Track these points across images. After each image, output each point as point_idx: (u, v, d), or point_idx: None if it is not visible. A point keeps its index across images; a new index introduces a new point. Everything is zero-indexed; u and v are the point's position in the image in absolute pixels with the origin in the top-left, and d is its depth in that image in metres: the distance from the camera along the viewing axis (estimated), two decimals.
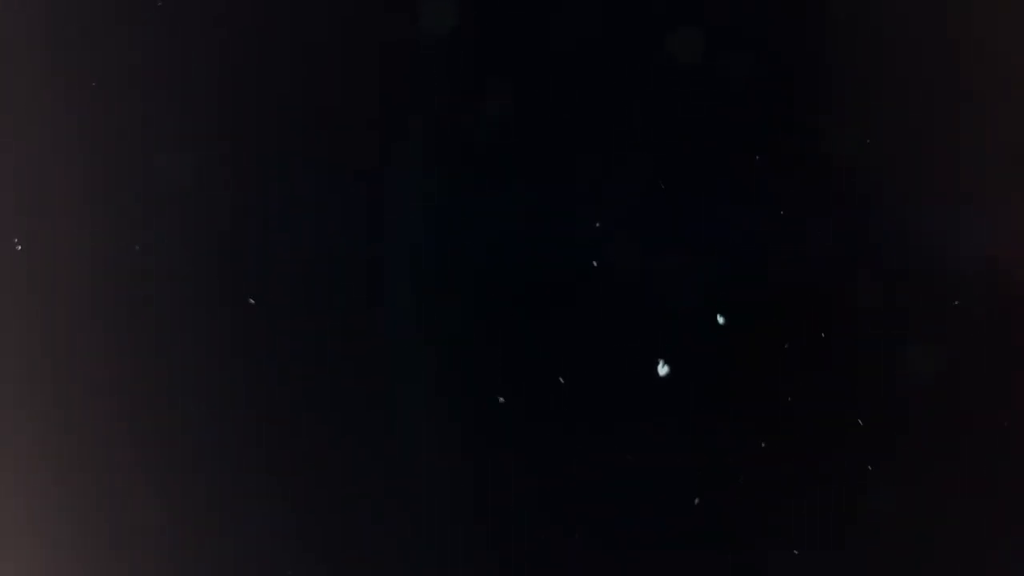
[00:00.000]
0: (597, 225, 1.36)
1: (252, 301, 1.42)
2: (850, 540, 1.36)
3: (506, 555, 1.42)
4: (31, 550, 1.51)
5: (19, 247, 1.47)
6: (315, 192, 1.42)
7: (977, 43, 1.32)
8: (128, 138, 1.45)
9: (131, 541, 1.49)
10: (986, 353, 1.33)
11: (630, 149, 1.36)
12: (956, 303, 1.32)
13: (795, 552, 1.37)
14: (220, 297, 1.45)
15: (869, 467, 1.34)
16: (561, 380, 1.37)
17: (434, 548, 1.43)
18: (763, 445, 1.36)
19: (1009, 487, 1.35)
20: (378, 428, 1.43)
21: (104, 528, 1.49)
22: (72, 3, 1.46)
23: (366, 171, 1.41)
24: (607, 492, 1.39)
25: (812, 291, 1.34)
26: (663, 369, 1.34)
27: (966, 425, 1.34)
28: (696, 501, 1.37)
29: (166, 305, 1.47)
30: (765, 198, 1.34)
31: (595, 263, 1.36)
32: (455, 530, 1.43)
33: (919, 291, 1.33)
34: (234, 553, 1.47)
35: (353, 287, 1.43)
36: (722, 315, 1.35)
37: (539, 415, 1.40)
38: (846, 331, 1.35)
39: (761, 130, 1.33)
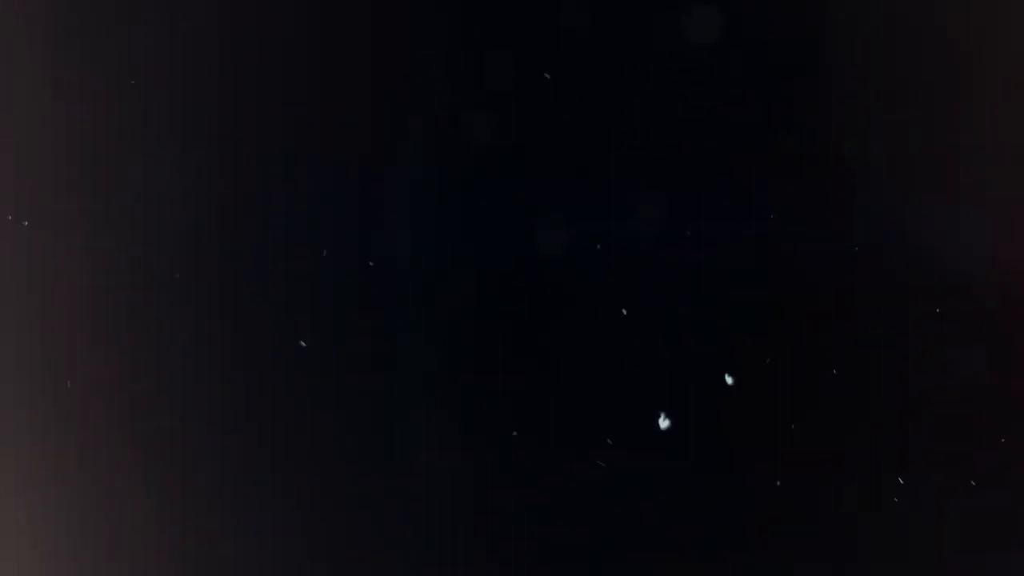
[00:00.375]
0: (598, 246, 1.36)
1: (303, 344, 1.42)
2: (860, 544, 1.37)
3: (506, 557, 1.42)
4: (31, 550, 1.51)
5: (25, 223, 1.47)
6: (315, 192, 1.42)
7: (977, 43, 1.32)
8: (128, 138, 1.46)
9: (131, 541, 1.49)
10: (986, 353, 1.33)
11: (632, 150, 1.36)
12: (953, 304, 1.32)
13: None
14: (220, 297, 1.45)
15: (898, 480, 1.34)
16: (609, 442, 1.38)
17: (434, 550, 1.43)
18: (764, 447, 1.36)
19: (1010, 488, 1.35)
20: (379, 429, 1.43)
21: (104, 528, 1.50)
22: (72, 3, 1.46)
23: (366, 171, 1.41)
24: (609, 496, 1.40)
25: (810, 292, 1.34)
26: (664, 422, 1.34)
27: (966, 426, 1.34)
28: (697, 500, 1.38)
29: (166, 305, 1.47)
30: (763, 198, 1.34)
31: (597, 266, 1.37)
32: (455, 533, 1.43)
33: (919, 291, 1.33)
34: (234, 553, 1.48)
35: (353, 287, 1.43)
36: (723, 322, 1.35)
37: (540, 417, 1.40)
38: (846, 333, 1.35)
39: (760, 130, 1.33)
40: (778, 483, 1.35)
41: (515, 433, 1.39)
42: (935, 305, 1.33)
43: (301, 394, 1.45)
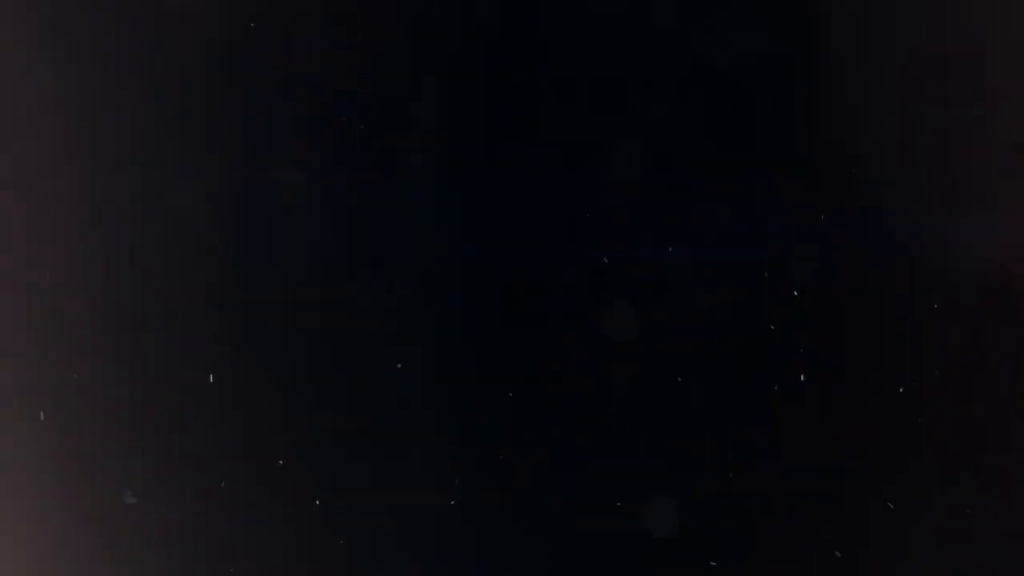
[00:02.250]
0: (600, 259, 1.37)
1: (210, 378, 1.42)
2: (858, 544, 1.37)
3: (504, 558, 1.42)
4: (31, 550, 1.52)
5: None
6: (315, 193, 1.42)
7: (978, 42, 1.32)
8: (128, 140, 1.46)
9: (131, 541, 1.49)
10: (986, 353, 1.33)
11: (632, 151, 1.36)
12: (950, 306, 1.32)
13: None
14: (220, 299, 1.45)
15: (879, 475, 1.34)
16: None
17: (432, 552, 1.43)
18: (761, 448, 1.36)
19: (1010, 488, 1.35)
20: (380, 431, 1.43)
21: (103, 528, 1.50)
22: (72, 5, 1.46)
23: (366, 172, 1.41)
24: (609, 497, 1.40)
25: (810, 292, 1.34)
26: None
27: (967, 427, 1.34)
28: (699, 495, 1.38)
29: (167, 308, 1.47)
30: (762, 199, 1.34)
31: (597, 266, 1.37)
32: (455, 537, 1.43)
33: (918, 292, 1.33)
34: (233, 554, 1.48)
35: (353, 289, 1.43)
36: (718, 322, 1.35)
37: (539, 418, 1.40)
38: (845, 332, 1.35)
39: (760, 130, 1.33)
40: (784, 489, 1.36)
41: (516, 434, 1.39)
42: (932, 305, 1.33)
43: (302, 397, 1.45)
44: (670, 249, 1.35)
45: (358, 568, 1.45)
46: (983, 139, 1.32)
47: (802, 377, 1.34)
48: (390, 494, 1.43)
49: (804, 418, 1.35)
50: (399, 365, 1.41)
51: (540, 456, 1.40)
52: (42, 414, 1.51)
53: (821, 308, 1.34)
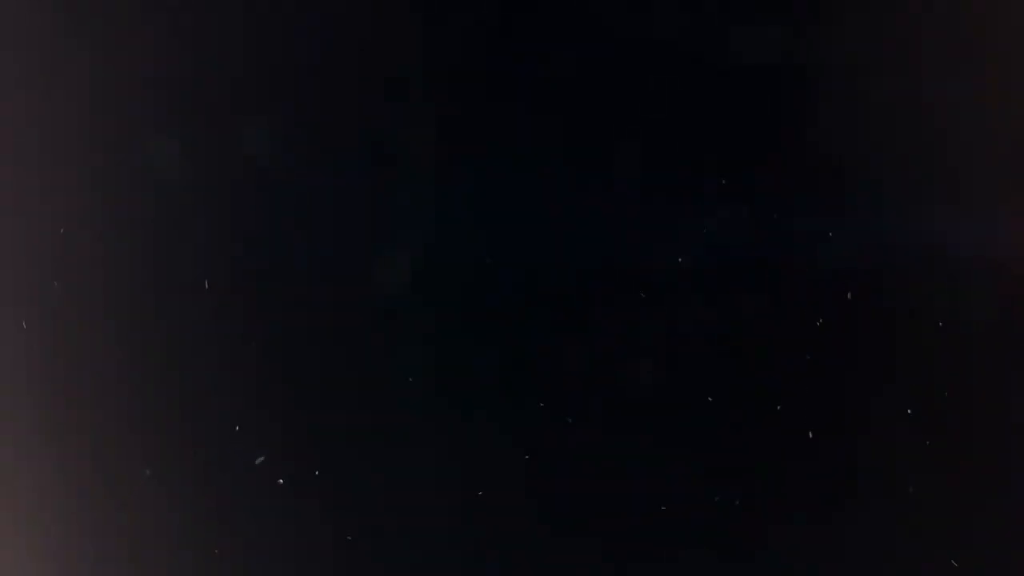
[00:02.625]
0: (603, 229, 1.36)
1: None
2: (854, 543, 1.37)
3: (504, 557, 1.42)
4: (31, 551, 1.52)
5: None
6: (316, 193, 1.42)
7: (978, 42, 1.32)
8: (128, 137, 1.46)
9: (131, 542, 1.49)
10: (986, 353, 1.33)
11: (632, 150, 1.36)
12: (950, 306, 1.32)
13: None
14: (220, 297, 1.45)
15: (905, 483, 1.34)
16: (569, 420, 1.38)
17: (434, 552, 1.43)
18: (757, 446, 1.36)
19: (1010, 489, 1.35)
20: (382, 432, 1.43)
21: (103, 529, 1.50)
22: (72, 3, 1.46)
23: (367, 171, 1.41)
24: (609, 498, 1.40)
25: (809, 292, 1.35)
26: None
27: (966, 427, 1.35)
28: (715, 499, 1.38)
29: (169, 306, 1.47)
30: (763, 198, 1.34)
31: (597, 266, 1.37)
32: (456, 536, 1.43)
33: (918, 291, 1.33)
34: (232, 554, 1.48)
35: (355, 289, 1.43)
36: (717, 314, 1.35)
37: (539, 417, 1.40)
38: (844, 332, 1.35)
39: (760, 130, 1.33)
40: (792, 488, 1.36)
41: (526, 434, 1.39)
42: (930, 305, 1.33)
43: (304, 397, 1.45)
44: (678, 258, 1.35)
45: (362, 567, 1.45)
46: (983, 139, 1.32)
47: (801, 377, 1.35)
48: (393, 493, 1.44)
49: (803, 418, 1.36)
50: (410, 379, 1.41)
51: (542, 457, 1.40)
52: (43, 412, 1.51)
53: (821, 307, 1.34)
